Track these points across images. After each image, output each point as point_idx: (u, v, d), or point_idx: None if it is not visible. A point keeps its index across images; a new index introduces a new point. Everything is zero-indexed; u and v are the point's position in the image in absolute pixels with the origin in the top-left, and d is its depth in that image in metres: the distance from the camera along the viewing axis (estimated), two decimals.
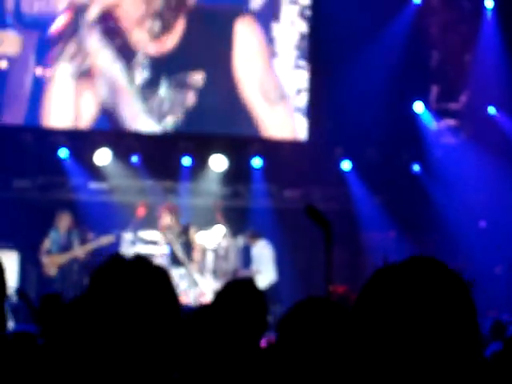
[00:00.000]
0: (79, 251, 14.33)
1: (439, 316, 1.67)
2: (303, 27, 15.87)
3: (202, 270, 14.34)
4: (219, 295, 3.88)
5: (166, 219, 13.92)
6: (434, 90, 16.20)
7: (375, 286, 1.74)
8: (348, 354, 1.73)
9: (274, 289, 14.25)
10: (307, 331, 2.62)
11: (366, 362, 1.67)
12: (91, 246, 14.39)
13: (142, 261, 1.91)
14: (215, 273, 14.64)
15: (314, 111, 15.84)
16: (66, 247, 14.36)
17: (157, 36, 15.38)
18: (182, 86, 15.51)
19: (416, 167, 15.96)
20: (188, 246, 14.11)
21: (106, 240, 14.33)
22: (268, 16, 15.81)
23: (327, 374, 2.43)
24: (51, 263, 14.23)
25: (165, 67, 15.48)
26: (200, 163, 15.65)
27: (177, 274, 13.53)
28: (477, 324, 1.72)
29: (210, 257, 14.75)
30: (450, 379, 1.65)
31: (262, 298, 3.92)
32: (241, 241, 15.14)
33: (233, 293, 3.84)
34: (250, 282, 4.00)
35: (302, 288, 14.05)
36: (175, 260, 13.89)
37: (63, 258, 14.24)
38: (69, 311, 2.46)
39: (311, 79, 15.86)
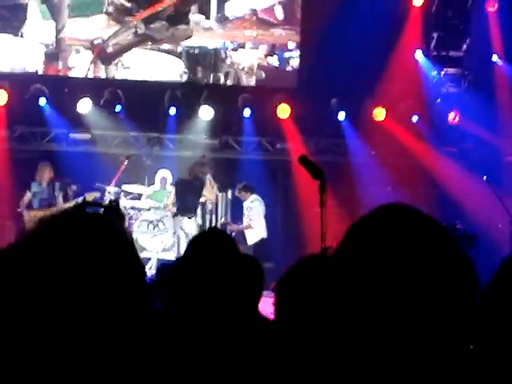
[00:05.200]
0: (65, 206, 13.68)
1: (420, 261, 1.60)
2: None
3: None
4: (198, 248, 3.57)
5: None
6: (435, 37, 15.44)
7: (351, 238, 1.69)
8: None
9: (264, 245, 13.77)
10: (308, 290, 2.58)
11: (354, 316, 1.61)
12: (76, 202, 13.76)
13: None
14: (204, 227, 13.99)
15: (307, 61, 15.07)
16: (48, 200, 13.68)
17: None
18: None
19: (415, 118, 15.19)
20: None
21: (90, 197, 13.68)
22: None
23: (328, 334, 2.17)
24: (34, 218, 13.56)
25: None
26: (187, 113, 14.86)
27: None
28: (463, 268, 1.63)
29: (198, 211, 14.08)
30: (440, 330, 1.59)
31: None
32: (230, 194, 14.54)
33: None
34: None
35: (293, 244, 13.58)
36: None
37: (47, 213, 13.50)
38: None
39: (302, 29, 15.13)
